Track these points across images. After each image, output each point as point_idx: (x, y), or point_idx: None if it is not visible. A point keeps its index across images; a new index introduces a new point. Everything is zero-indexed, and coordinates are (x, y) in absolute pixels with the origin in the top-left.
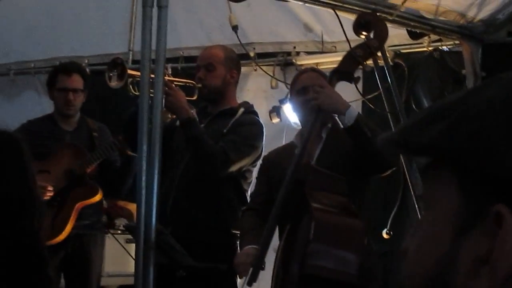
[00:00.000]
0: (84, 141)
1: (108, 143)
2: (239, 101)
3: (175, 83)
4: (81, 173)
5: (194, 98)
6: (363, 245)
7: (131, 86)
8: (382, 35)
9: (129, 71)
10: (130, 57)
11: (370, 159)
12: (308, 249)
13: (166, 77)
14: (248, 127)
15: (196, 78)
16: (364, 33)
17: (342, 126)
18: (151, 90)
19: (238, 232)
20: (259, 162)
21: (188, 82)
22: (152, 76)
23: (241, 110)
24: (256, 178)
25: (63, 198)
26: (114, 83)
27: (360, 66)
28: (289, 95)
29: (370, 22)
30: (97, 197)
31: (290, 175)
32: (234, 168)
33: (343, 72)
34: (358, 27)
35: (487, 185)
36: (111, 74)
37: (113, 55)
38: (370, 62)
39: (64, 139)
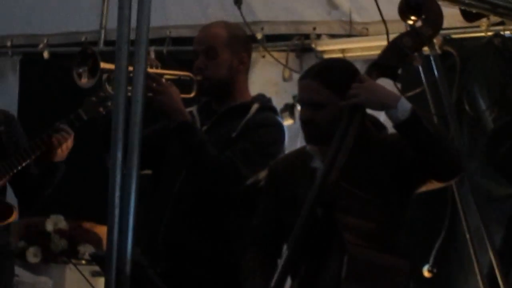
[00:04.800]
0: None
1: (29, 146)
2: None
3: (166, 76)
4: None
5: (192, 95)
6: None
7: (106, 84)
8: (437, 21)
9: (104, 65)
10: (102, 37)
11: (433, 161)
12: None
13: (154, 69)
14: (265, 129)
15: (194, 68)
16: (413, 17)
17: (393, 123)
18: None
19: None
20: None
21: (183, 75)
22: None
23: (255, 106)
24: (262, 195)
25: None
26: (84, 81)
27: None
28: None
29: (422, 4)
30: (12, 218)
31: (314, 196)
32: (246, 185)
33: (385, 66)
34: (405, 10)
35: None
36: (80, 70)
37: (80, 34)
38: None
39: None
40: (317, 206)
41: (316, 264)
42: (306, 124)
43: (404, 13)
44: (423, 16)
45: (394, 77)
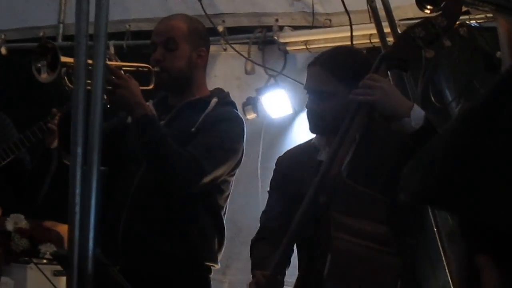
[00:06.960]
0: None
1: (18, 138)
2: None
3: (124, 68)
4: None
5: (151, 87)
6: None
7: (66, 78)
8: (454, 11)
9: (64, 59)
10: (61, 32)
11: None
12: None
13: (113, 62)
14: (225, 124)
15: (152, 60)
16: (429, 6)
17: (407, 131)
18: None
19: (212, 265)
20: (273, 169)
21: (141, 66)
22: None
23: (214, 100)
24: (268, 192)
25: None
26: (44, 76)
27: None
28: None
29: None
30: None
31: (314, 190)
32: (207, 180)
33: (396, 59)
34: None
35: None
36: (39, 65)
37: (38, 29)
38: None
39: None
40: (316, 199)
41: (311, 258)
42: (312, 113)
43: (420, 2)
44: (441, 7)
45: (405, 70)
